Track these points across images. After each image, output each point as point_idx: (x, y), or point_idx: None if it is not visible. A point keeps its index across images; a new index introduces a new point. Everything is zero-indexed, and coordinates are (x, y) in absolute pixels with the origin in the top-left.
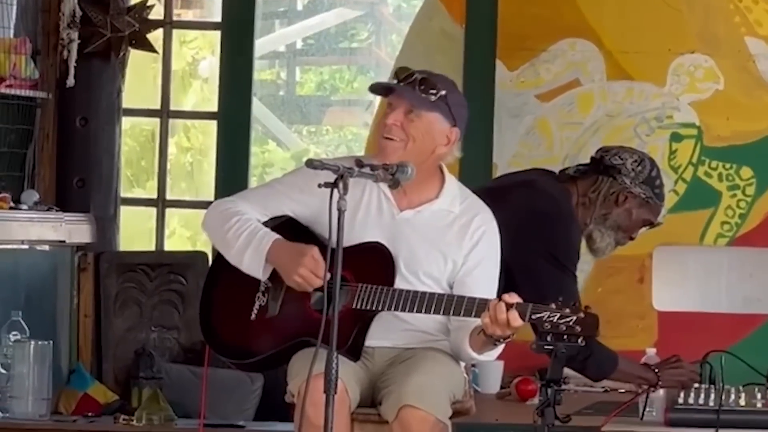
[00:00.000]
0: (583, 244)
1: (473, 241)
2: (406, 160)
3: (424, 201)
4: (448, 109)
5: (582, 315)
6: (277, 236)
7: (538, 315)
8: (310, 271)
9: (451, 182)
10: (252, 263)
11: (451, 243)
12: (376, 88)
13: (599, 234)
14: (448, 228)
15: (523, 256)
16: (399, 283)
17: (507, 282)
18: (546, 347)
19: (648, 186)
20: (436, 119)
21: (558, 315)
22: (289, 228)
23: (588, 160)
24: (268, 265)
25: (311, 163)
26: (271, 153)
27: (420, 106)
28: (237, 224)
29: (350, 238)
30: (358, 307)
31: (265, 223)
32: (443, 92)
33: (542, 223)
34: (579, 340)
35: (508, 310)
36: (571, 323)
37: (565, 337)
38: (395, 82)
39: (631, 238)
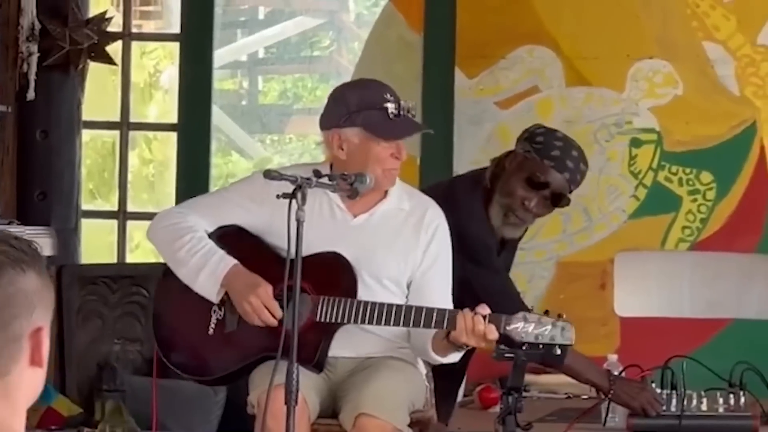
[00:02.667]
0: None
1: (429, 236)
2: None
3: (374, 203)
4: None
5: (558, 324)
6: (234, 261)
7: (513, 326)
8: (261, 302)
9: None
10: (206, 285)
11: (408, 241)
12: (407, 133)
13: (492, 205)
14: (402, 226)
15: None
16: (361, 290)
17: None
18: (507, 355)
19: (527, 141)
20: None
21: (533, 325)
22: (238, 236)
23: None
24: (222, 288)
25: (269, 174)
26: (234, 163)
27: None
28: (191, 242)
29: (305, 249)
30: (322, 320)
31: (214, 232)
32: None
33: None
34: (555, 349)
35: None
36: (546, 333)
37: (541, 346)
38: (408, 113)
39: (526, 208)
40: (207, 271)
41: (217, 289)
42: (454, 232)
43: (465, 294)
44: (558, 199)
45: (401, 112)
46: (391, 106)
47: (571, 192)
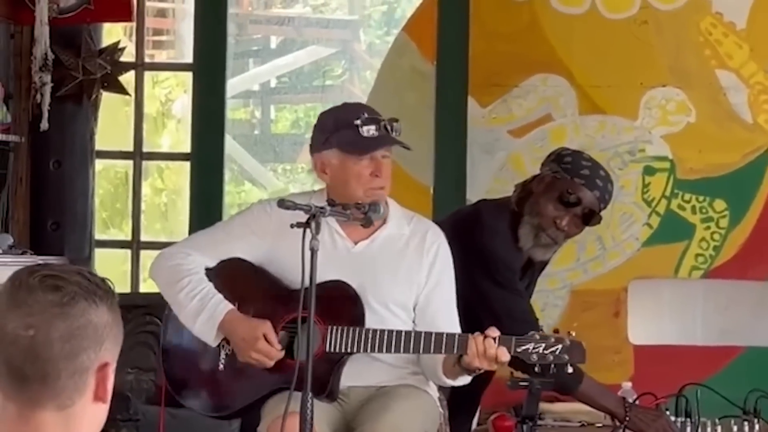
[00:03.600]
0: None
1: (431, 258)
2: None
3: (375, 229)
4: None
5: (568, 342)
6: (230, 307)
7: (524, 347)
8: (263, 354)
9: (394, 205)
10: (203, 329)
11: (411, 264)
12: (378, 145)
13: (522, 227)
14: (404, 250)
15: (466, 283)
16: (370, 317)
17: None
18: (521, 383)
19: (555, 162)
20: None
21: (543, 345)
22: (241, 269)
23: None
24: (219, 332)
25: (283, 204)
26: (247, 193)
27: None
28: (189, 285)
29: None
30: (331, 350)
31: (217, 266)
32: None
33: (467, 237)
34: (567, 368)
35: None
36: (557, 352)
37: (553, 366)
38: (384, 129)
39: (558, 227)
40: (204, 317)
41: (213, 334)
42: (477, 252)
43: (484, 316)
44: (589, 217)
45: (379, 129)
46: (365, 123)
47: (600, 211)
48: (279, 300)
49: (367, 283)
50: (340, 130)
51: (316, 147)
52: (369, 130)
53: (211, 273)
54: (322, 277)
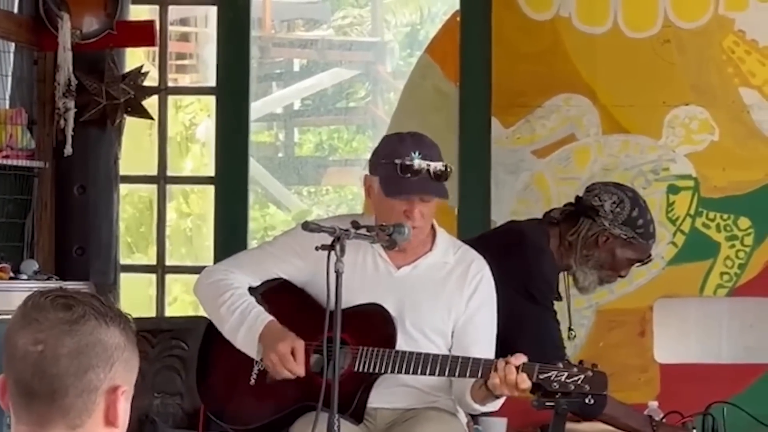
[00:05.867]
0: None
1: (472, 288)
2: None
3: (419, 255)
4: None
5: (590, 373)
6: (270, 318)
7: (546, 375)
8: (279, 356)
9: (442, 234)
10: (245, 342)
11: (452, 293)
12: (411, 192)
13: (582, 274)
14: (446, 279)
15: (501, 296)
16: (406, 342)
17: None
18: (548, 404)
19: (628, 227)
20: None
21: (566, 374)
22: (282, 289)
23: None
24: (261, 344)
25: (307, 226)
26: (272, 216)
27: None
28: (231, 299)
29: (348, 300)
30: (360, 370)
31: (259, 286)
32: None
33: (509, 256)
34: (587, 399)
35: (517, 371)
36: (579, 382)
37: (573, 396)
38: (428, 174)
39: (621, 276)
40: (245, 329)
41: (256, 345)
42: (518, 269)
43: (513, 332)
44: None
45: (420, 174)
46: (407, 165)
47: None
48: (316, 321)
49: (405, 307)
50: (385, 162)
51: (369, 166)
52: (409, 172)
53: (253, 293)
54: (361, 299)
